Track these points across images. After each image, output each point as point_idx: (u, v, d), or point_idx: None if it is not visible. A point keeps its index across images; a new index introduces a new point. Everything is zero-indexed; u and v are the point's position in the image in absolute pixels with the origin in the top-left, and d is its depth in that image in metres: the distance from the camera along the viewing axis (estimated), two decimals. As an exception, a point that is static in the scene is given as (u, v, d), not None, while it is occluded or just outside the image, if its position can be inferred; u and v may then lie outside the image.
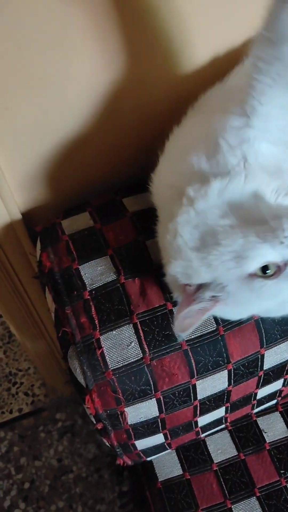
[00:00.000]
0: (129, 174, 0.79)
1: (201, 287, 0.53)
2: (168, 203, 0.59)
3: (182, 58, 0.71)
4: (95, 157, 0.77)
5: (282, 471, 0.86)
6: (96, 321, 0.64)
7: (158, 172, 0.67)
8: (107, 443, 0.75)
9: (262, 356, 0.69)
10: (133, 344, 0.64)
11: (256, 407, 0.85)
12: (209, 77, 0.70)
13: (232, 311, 0.57)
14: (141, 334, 0.64)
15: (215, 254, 0.51)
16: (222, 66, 0.70)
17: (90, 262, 0.69)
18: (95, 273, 0.68)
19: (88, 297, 0.66)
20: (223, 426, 0.86)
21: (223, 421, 0.82)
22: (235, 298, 0.53)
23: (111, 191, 0.80)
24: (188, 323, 0.53)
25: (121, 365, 0.63)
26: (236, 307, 0.55)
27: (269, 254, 0.49)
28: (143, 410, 0.67)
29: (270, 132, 0.52)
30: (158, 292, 0.65)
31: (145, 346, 0.63)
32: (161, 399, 0.66)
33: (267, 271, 0.50)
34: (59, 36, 0.61)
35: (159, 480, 0.86)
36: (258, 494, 0.84)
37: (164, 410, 0.68)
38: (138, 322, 0.64)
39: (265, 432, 0.90)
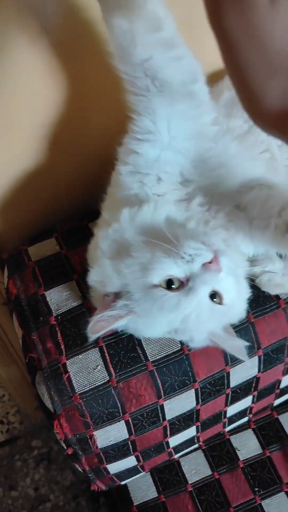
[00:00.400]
0: (94, 199, 0.80)
1: (116, 297, 0.58)
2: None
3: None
4: (54, 186, 0.79)
5: (256, 489, 0.87)
6: (62, 346, 0.65)
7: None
8: (79, 468, 0.75)
9: (228, 373, 0.70)
10: (99, 367, 0.64)
11: (228, 425, 0.86)
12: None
13: (143, 324, 0.59)
14: (107, 357, 0.64)
15: (126, 264, 0.56)
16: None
17: (56, 287, 0.70)
18: (61, 298, 0.69)
19: (54, 323, 0.67)
20: (196, 445, 0.87)
21: (195, 440, 0.83)
22: (142, 308, 0.56)
23: (77, 216, 0.81)
24: (100, 326, 0.56)
25: (88, 388, 0.63)
26: (144, 319, 0.57)
27: (172, 269, 0.55)
28: (112, 433, 0.68)
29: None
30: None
31: (111, 368, 0.64)
32: (130, 421, 0.67)
33: (172, 286, 0.55)
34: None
35: (134, 504, 0.86)
36: (233, 513, 0.84)
37: (133, 432, 0.69)
38: (103, 346, 0.65)
39: (238, 450, 0.91)
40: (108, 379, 0.64)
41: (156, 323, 0.58)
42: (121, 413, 0.65)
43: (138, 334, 0.63)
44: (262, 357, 0.71)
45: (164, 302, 0.55)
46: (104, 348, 0.65)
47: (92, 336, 0.57)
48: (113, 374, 0.64)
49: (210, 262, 0.54)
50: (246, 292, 0.65)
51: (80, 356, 0.64)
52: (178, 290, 0.55)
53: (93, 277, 0.61)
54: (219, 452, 0.91)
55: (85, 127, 0.75)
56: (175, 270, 0.55)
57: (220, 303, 0.58)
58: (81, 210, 0.82)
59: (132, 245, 0.57)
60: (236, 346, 0.60)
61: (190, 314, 0.56)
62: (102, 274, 0.59)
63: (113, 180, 0.67)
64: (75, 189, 0.82)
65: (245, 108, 0.33)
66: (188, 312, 0.56)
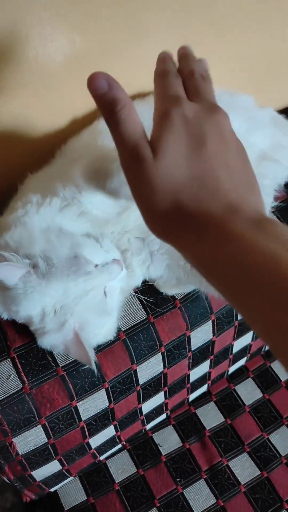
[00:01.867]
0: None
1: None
2: None
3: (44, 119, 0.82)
4: None
5: (178, 479, 0.94)
6: (-24, 360, 0.69)
7: None
8: (5, 479, 0.78)
9: (135, 371, 0.77)
10: (12, 376, 0.69)
11: (147, 423, 0.93)
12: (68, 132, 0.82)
13: (38, 285, 0.62)
14: (19, 367, 0.70)
15: (57, 235, 0.64)
16: (80, 123, 0.82)
17: None
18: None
19: None
20: (119, 446, 0.93)
21: (117, 439, 0.89)
22: (53, 271, 0.62)
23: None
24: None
25: (3, 397, 0.68)
26: (44, 281, 0.62)
27: (97, 252, 0.66)
28: (31, 438, 0.72)
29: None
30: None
31: (24, 377, 0.69)
32: (46, 424, 0.72)
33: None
34: None
35: (65, 509, 0.90)
36: (158, 505, 0.90)
37: (52, 435, 0.74)
38: (15, 356, 0.70)
39: (161, 446, 0.98)
40: (21, 386, 0.69)
41: (53, 286, 0.62)
42: (37, 418, 0.70)
43: (19, 302, 0.64)
44: (165, 354, 0.79)
45: (79, 268, 0.63)
46: (16, 359, 0.70)
47: None
48: (26, 382, 0.69)
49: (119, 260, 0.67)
50: (113, 329, 0.73)
51: (-7, 368, 0.69)
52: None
53: (11, 237, 0.64)
54: (143, 450, 0.97)
55: None
56: (97, 254, 0.66)
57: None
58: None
59: (63, 227, 0.65)
60: (88, 352, 0.65)
61: (87, 290, 0.64)
62: (22, 236, 0.64)
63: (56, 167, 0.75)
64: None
65: (143, 218, 0.45)
66: (90, 285, 0.64)
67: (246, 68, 1.01)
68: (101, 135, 0.76)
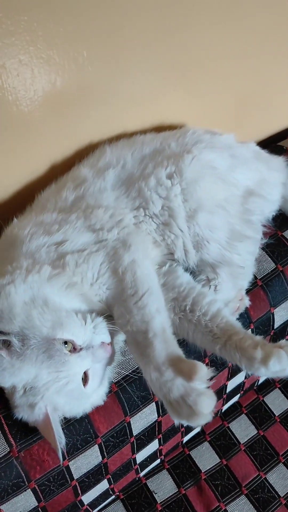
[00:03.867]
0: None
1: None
2: None
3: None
4: None
5: (175, 529, 0.89)
6: None
7: None
8: None
9: (129, 423, 0.74)
10: (-2, 440, 0.65)
11: (141, 471, 0.89)
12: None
13: (9, 365, 0.59)
14: (6, 428, 0.65)
15: (39, 312, 0.60)
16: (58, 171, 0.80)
17: None
18: None
19: None
20: (113, 497, 0.88)
21: (110, 492, 0.84)
22: (28, 352, 0.58)
23: None
24: None
25: (-12, 463, 0.64)
26: (16, 362, 0.59)
27: (80, 333, 0.61)
28: (20, 504, 0.67)
29: None
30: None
31: (11, 439, 0.65)
32: (36, 488, 0.67)
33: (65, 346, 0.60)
34: None
35: None
36: None
37: (42, 499, 0.69)
38: (1, 417, 0.66)
39: (155, 493, 0.93)
40: (8, 450, 0.65)
41: (25, 369, 0.59)
42: (26, 482, 0.66)
43: None
44: (159, 403, 0.76)
45: (54, 355, 0.59)
46: (2, 420, 0.65)
47: None
48: (14, 445, 0.65)
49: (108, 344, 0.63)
50: (101, 396, 0.69)
51: (-23, 432, 0.64)
52: (72, 352, 0.61)
53: None
54: (137, 499, 0.93)
55: None
56: (82, 335, 0.61)
57: (84, 385, 0.63)
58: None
59: (49, 299, 0.61)
60: (55, 438, 0.61)
61: (60, 378, 0.59)
62: (3, 308, 0.60)
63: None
64: None
65: None
66: (64, 375, 0.59)
67: (225, 103, 1.01)
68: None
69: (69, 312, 0.62)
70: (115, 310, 0.65)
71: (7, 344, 0.59)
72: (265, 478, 0.96)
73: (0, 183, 0.78)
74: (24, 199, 0.78)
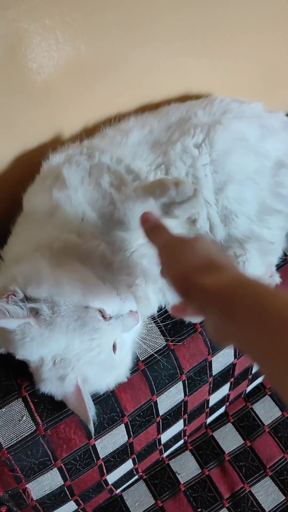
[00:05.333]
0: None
1: (26, 299, 0.56)
2: None
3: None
4: None
5: (199, 510, 0.88)
6: (-16, 401, 0.63)
7: None
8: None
9: (155, 403, 0.72)
10: (24, 418, 0.63)
11: (165, 451, 0.87)
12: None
13: (39, 336, 0.56)
14: (32, 406, 0.64)
15: (69, 278, 0.58)
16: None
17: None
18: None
19: (-27, 378, 0.65)
20: (136, 477, 0.87)
21: (134, 472, 0.83)
22: (58, 320, 0.55)
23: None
24: None
25: (15, 441, 0.62)
26: (46, 331, 0.56)
27: (111, 303, 0.58)
28: (46, 483, 0.66)
29: None
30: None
31: (37, 417, 0.63)
32: (63, 467, 0.66)
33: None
34: None
35: None
36: (179, 539, 0.85)
37: (68, 477, 0.68)
38: (27, 395, 0.64)
39: (179, 474, 0.92)
40: (35, 428, 0.63)
41: (55, 339, 0.56)
42: (52, 461, 0.65)
43: (16, 346, 0.58)
44: (186, 381, 0.74)
45: (88, 322, 0.56)
46: (28, 398, 0.64)
47: None
48: (40, 423, 0.63)
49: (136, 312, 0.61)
50: (125, 372, 0.66)
51: (3, 410, 0.63)
52: (105, 320, 0.58)
53: (21, 271, 0.58)
54: (160, 479, 0.91)
55: None
56: (111, 303, 0.59)
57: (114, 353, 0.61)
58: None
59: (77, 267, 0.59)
60: (88, 411, 0.60)
61: (93, 347, 0.57)
62: (31, 274, 0.57)
63: None
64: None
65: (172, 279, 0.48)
66: (96, 343, 0.57)
67: (253, 73, 0.97)
68: None
69: (98, 281, 0.60)
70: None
71: (35, 312, 0.56)
72: (290, 460, 0.94)
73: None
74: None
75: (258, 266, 0.74)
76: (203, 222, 0.73)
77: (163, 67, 0.81)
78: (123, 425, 0.69)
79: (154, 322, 0.72)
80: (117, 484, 0.81)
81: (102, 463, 0.71)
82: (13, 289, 0.55)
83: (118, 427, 0.69)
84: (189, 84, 0.87)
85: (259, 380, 0.98)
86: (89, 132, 0.79)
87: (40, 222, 0.66)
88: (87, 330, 0.56)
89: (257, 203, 0.73)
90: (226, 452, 0.95)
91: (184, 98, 0.85)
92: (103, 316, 0.58)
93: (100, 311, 0.58)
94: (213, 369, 0.77)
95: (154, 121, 0.77)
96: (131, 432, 0.71)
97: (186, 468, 0.93)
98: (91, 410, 0.60)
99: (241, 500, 0.89)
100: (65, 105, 0.74)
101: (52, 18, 0.63)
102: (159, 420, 0.75)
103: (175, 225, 0.72)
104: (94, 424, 0.61)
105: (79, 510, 0.78)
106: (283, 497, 0.90)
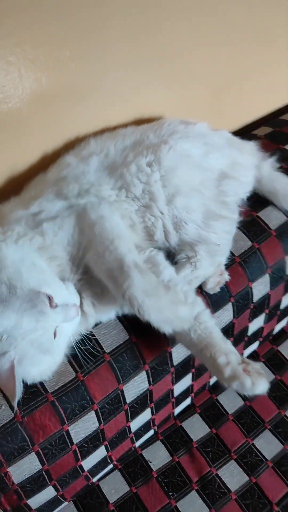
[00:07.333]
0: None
1: None
2: None
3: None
4: None
5: (170, 493, 0.96)
6: None
7: None
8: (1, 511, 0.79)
9: (122, 391, 0.80)
10: (3, 407, 0.71)
11: (136, 440, 0.95)
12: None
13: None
14: (9, 396, 0.71)
15: (28, 267, 0.69)
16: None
17: None
18: None
19: None
20: (111, 466, 0.95)
21: (108, 460, 0.90)
22: (9, 299, 0.65)
23: None
24: None
25: (-4, 428, 0.70)
26: (1, 312, 0.65)
27: (63, 294, 0.69)
28: (26, 466, 0.74)
29: None
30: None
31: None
32: (40, 451, 0.74)
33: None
34: None
35: (62, 535, 0.91)
36: (153, 521, 0.92)
37: (46, 462, 0.75)
38: (4, 386, 0.72)
39: (151, 462, 1.00)
40: (13, 416, 0.71)
41: (7, 315, 0.65)
42: (30, 446, 0.72)
43: None
44: (149, 371, 0.82)
45: (37, 304, 0.66)
46: (5, 389, 0.72)
47: None
48: (17, 411, 0.71)
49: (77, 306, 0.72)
50: (62, 354, 0.74)
51: (-17, 400, 0.71)
52: (51, 307, 0.67)
53: None
54: (134, 467, 0.99)
55: None
56: (60, 293, 0.69)
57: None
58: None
59: (36, 263, 0.69)
60: (16, 388, 0.65)
61: (37, 328, 0.65)
62: None
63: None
64: None
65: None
66: (41, 325, 0.66)
67: (201, 95, 1.08)
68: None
69: (51, 274, 0.70)
70: (89, 257, 0.72)
71: None
72: (253, 444, 1.03)
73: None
74: (15, 187, 0.84)
75: (208, 266, 0.84)
76: (159, 232, 0.83)
77: (119, 93, 0.92)
78: (93, 412, 0.77)
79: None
80: (93, 471, 0.89)
81: (76, 448, 0.79)
82: None
83: (89, 413, 0.77)
84: (143, 108, 0.98)
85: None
86: (49, 158, 0.88)
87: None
88: (35, 312, 0.65)
89: (203, 211, 0.83)
90: (194, 440, 1.03)
91: (138, 121, 0.96)
92: (50, 303, 0.67)
93: (49, 298, 0.66)
94: (173, 360, 0.86)
95: (111, 145, 0.86)
96: (101, 419, 0.79)
97: (158, 456, 1.01)
98: (18, 389, 0.66)
99: (208, 482, 0.97)
100: (33, 130, 0.84)
101: (15, 56, 0.73)
102: (127, 408, 0.83)
103: (136, 238, 0.82)
104: (18, 403, 0.68)
105: (58, 496, 0.85)
106: (247, 478, 0.98)
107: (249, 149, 0.95)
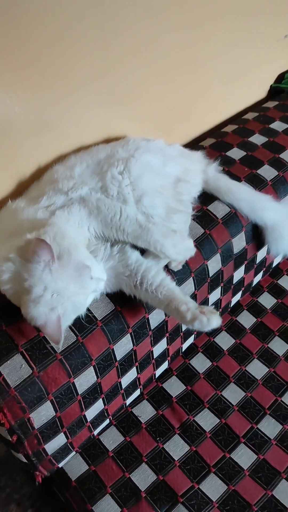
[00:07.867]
0: None
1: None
2: None
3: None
4: None
5: (157, 439, 1.18)
6: (-7, 358, 0.91)
7: None
8: (23, 458, 0.99)
9: (113, 350, 1.02)
10: (23, 365, 0.92)
11: (127, 397, 1.17)
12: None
13: (54, 275, 0.85)
14: (27, 357, 0.92)
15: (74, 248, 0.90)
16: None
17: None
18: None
19: (-16, 345, 0.93)
20: (107, 421, 1.16)
21: (105, 413, 1.12)
22: (69, 267, 0.86)
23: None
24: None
25: (19, 382, 0.90)
26: (58, 273, 0.85)
27: (99, 269, 0.94)
28: (43, 413, 0.94)
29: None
30: (31, 327, 0.94)
31: (32, 364, 0.92)
32: (53, 399, 0.94)
33: None
34: None
35: (72, 480, 1.11)
36: (145, 460, 1.14)
37: (58, 409, 0.96)
38: (23, 350, 0.93)
39: (140, 417, 1.22)
40: (31, 372, 0.92)
41: (61, 278, 0.84)
42: (46, 395, 0.93)
43: (35, 271, 0.84)
44: (132, 334, 1.05)
45: (82, 275, 0.86)
46: (24, 352, 0.93)
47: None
48: (34, 367, 0.92)
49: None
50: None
51: (8, 362, 0.91)
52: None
53: (48, 233, 0.87)
54: (126, 422, 1.21)
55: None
56: (96, 269, 0.91)
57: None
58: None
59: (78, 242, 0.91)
60: (61, 336, 0.85)
61: (79, 293, 0.87)
62: (57, 233, 0.87)
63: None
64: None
65: None
66: (83, 291, 0.87)
67: (157, 115, 1.34)
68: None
69: (91, 255, 0.93)
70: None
71: (58, 256, 0.84)
72: (221, 395, 1.26)
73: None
74: None
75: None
76: None
77: (87, 118, 1.16)
78: (92, 367, 0.99)
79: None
80: (94, 423, 1.10)
81: (81, 398, 1.00)
82: (44, 237, 0.85)
83: (89, 369, 0.99)
84: (110, 130, 1.23)
85: (191, 339, 1.31)
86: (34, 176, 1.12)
87: None
88: (81, 280, 0.86)
89: (164, 208, 1.06)
90: (173, 396, 1.26)
91: (107, 140, 1.20)
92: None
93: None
94: (151, 324, 1.09)
95: (88, 158, 1.10)
96: (98, 374, 1.01)
97: (145, 412, 1.23)
98: (63, 336, 0.86)
99: (187, 427, 1.20)
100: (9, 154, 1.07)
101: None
102: (117, 365, 1.05)
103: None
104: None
105: (68, 444, 1.05)
106: (218, 420, 1.21)
107: (197, 158, 1.21)
